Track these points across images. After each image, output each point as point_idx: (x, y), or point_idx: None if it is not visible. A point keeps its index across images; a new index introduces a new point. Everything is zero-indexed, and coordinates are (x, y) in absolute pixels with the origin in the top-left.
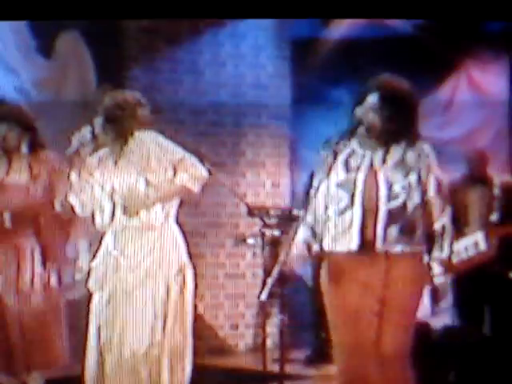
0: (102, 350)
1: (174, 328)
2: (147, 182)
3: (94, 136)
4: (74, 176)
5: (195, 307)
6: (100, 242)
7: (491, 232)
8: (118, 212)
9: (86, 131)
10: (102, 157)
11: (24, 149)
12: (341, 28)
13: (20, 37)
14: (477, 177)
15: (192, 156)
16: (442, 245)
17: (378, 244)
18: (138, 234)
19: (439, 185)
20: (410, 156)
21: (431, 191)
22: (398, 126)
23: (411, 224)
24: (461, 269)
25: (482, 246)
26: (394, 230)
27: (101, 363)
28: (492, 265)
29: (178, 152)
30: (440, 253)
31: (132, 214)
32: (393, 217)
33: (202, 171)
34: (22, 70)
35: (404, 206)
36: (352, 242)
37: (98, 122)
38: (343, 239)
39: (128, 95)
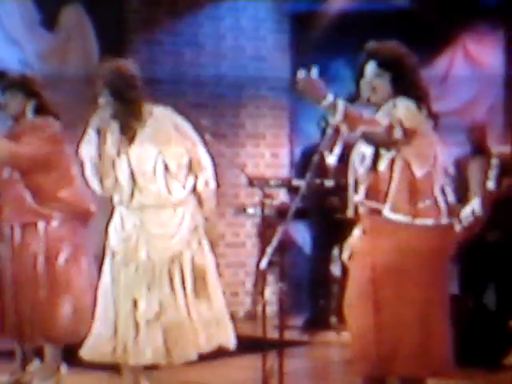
0: (132, 321)
1: (201, 298)
2: (166, 168)
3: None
4: (89, 154)
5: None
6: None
7: (486, 197)
8: (139, 187)
9: (104, 117)
10: (114, 133)
11: (29, 114)
12: (339, 1)
13: (24, 10)
14: (477, 149)
15: (200, 145)
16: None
17: (360, 209)
18: (158, 211)
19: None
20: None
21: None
22: (405, 87)
23: (379, 183)
24: (463, 237)
25: (478, 210)
26: (363, 190)
27: (136, 331)
28: (488, 233)
29: (191, 137)
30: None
31: (148, 194)
32: (364, 179)
33: (209, 168)
34: (26, 42)
35: (373, 164)
36: (349, 210)
37: (104, 95)
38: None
39: (124, 64)
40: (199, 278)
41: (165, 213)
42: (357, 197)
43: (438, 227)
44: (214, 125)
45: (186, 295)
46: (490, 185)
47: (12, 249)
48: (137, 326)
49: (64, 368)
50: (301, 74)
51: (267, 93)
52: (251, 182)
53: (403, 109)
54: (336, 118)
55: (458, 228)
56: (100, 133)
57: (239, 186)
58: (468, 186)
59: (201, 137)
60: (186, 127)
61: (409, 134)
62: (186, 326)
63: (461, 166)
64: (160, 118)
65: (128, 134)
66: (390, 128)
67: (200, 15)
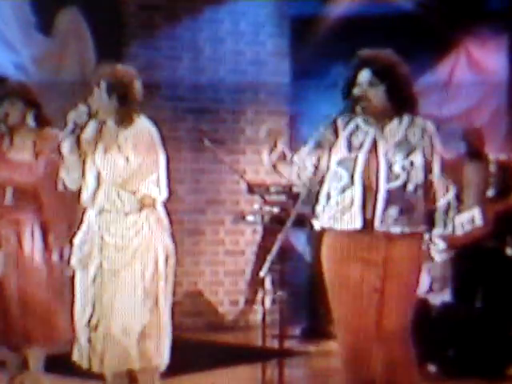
0: (90, 328)
1: (165, 306)
2: (127, 160)
3: (89, 115)
4: (66, 151)
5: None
6: (81, 220)
7: (487, 207)
8: (103, 190)
9: (82, 111)
10: (92, 130)
11: (30, 123)
12: (340, 5)
13: (20, 14)
14: (474, 154)
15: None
16: (445, 222)
17: (377, 224)
18: (123, 214)
19: (443, 164)
20: (413, 134)
21: (436, 171)
22: (399, 98)
23: (410, 204)
24: (457, 245)
25: (478, 221)
26: (392, 211)
27: (89, 340)
28: (488, 241)
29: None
30: (443, 229)
31: (115, 193)
32: (392, 197)
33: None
34: (22, 46)
35: (404, 186)
36: (354, 221)
37: (102, 90)
38: (344, 217)
39: (125, 68)
40: (148, 292)
41: (122, 221)
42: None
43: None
44: (213, 130)
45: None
46: (490, 194)
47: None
48: (104, 334)
49: (46, 377)
50: None
51: (267, 98)
52: (251, 189)
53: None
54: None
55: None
56: (76, 127)
57: (239, 192)
58: (462, 191)
59: (199, 142)
60: (158, 143)
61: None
62: (121, 338)
63: (455, 169)
64: (140, 127)
65: (109, 134)
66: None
67: (199, 19)
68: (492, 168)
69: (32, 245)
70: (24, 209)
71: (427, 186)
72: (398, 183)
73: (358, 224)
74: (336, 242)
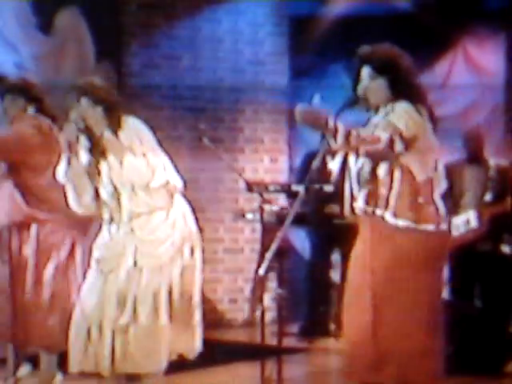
0: (119, 330)
1: (182, 300)
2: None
3: (79, 130)
4: (62, 172)
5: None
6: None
7: (483, 211)
8: (128, 196)
9: (72, 129)
10: (85, 145)
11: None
12: (339, 4)
13: (20, 13)
14: (473, 157)
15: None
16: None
17: (359, 213)
18: (145, 217)
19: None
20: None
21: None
22: (402, 89)
23: (379, 189)
24: (453, 246)
25: (473, 223)
26: (363, 197)
27: (111, 344)
28: (484, 240)
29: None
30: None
31: (142, 194)
32: (363, 184)
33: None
34: (22, 46)
35: (373, 171)
36: (345, 210)
37: (85, 105)
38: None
39: (95, 79)
40: (183, 295)
41: (155, 217)
42: (357, 203)
43: (437, 233)
44: (212, 129)
45: (168, 308)
46: (488, 197)
47: (8, 252)
48: (112, 334)
49: (59, 376)
50: (298, 106)
51: (266, 97)
52: (250, 188)
53: (401, 116)
54: (338, 143)
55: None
56: (70, 148)
57: (238, 191)
58: (461, 194)
59: (198, 141)
60: (152, 141)
61: (409, 143)
62: (158, 337)
63: (454, 173)
64: (133, 125)
65: (101, 143)
66: (391, 142)
67: (198, 19)
68: (491, 173)
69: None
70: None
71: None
72: (366, 170)
73: (346, 212)
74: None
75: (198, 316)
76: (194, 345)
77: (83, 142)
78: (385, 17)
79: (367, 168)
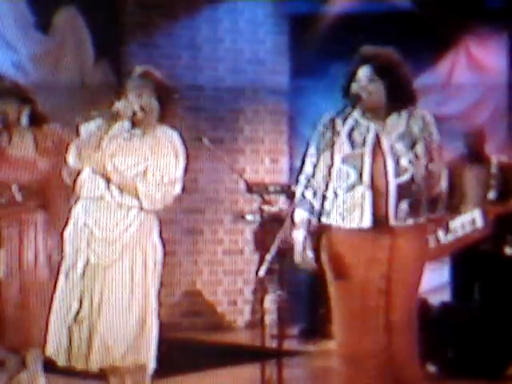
0: (73, 324)
1: (154, 305)
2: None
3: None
4: (88, 130)
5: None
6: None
7: (488, 209)
8: (101, 185)
9: (132, 106)
10: (125, 127)
11: (24, 121)
12: (339, 4)
13: (18, 12)
14: (474, 155)
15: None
16: (439, 207)
17: (391, 220)
18: (112, 208)
19: (441, 152)
20: (414, 125)
21: (435, 160)
22: (399, 95)
23: (418, 196)
24: (457, 246)
25: (479, 223)
26: (403, 206)
27: (69, 338)
28: (488, 242)
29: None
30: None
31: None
32: (402, 192)
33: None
34: (20, 45)
35: (412, 179)
36: (364, 219)
37: (145, 96)
38: (353, 216)
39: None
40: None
41: (114, 215)
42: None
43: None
44: (212, 129)
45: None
46: (491, 195)
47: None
48: (90, 330)
49: (44, 378)
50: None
51: (266, 97)
52: (250, 188)
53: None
54: None
55: (453, 237)
56: (107, 119)
57: (238, 192)
58: (462, 193)
59: (198, 142)
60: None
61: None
62: (106, 335)
63: (455, 172)
64: (164, 137)
65: (129, 134)
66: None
67: (197, 18)
68: (493, 170)
69: (35, 245)
70: (27, 208)
71: (427, 176)
72: (406, 177)
73: (366, 222)
74: (344, 240)
75: (153, 328)
76: (148, 355)
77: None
78: (386, 16)
79: (409, 175)
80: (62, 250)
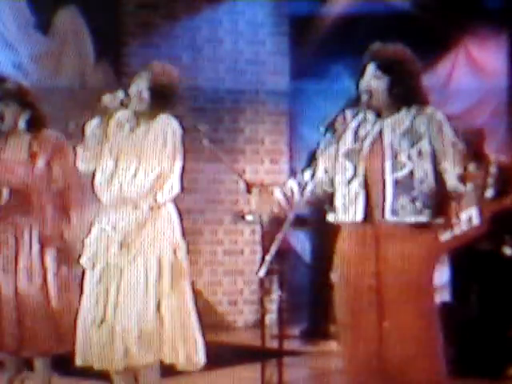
0: (92, 327)
1: (171, 305)
2: (136, 170)
3: (122, 103)
4: (88, 132)
5: (193, 284)
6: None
7: (484, 207)
8: (115, 183)
9: (118, 97)
10: (122, 120)
11: (21, 125)
12: (339, 4)
13: (18, 12)
14: (473, 154)
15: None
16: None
17: (387, 215)
18: (130, 210)
19: (459, 152)
20: (421, 123)
21: (448, 159)
22: (403, 92)
23: (422, 194)
24: (454, 245)
25: (475, 221)
26: (404, 201)
27: (89, 339)
28: (485, 241)
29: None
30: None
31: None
32: (400, 187)
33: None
34: (21, 45)
35: (411, 175)
36: (357, 214)
37: (141, 85)
38: (350, 210)
39: (174, 70)
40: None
41: (135, 214)
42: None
43: (433, 228)
44: (212, 130)
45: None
46: (489, 193)
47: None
48: (108, 331)
49: (54, 378)
50: None
51: (266, 97)
52: (250, 189)
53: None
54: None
55: (449, 235)
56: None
57: (237, 192)
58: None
59: (198, 142)
60: (176, 143)
61: None
62: (123, 336)
63: None
64: (165, 126)
65: (133, 123)
66: None
67: (197, 19)
68: (492, 169)
69: (30, 249)
70: (22, 211)
71: (440, 174)
72: (404, 172)
73: (359, 216)
74: (342, 235)
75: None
76: (197, 351)
77: (121, 115)
78: (386, 17)
79: (407, 170)
80: (61, 254)
